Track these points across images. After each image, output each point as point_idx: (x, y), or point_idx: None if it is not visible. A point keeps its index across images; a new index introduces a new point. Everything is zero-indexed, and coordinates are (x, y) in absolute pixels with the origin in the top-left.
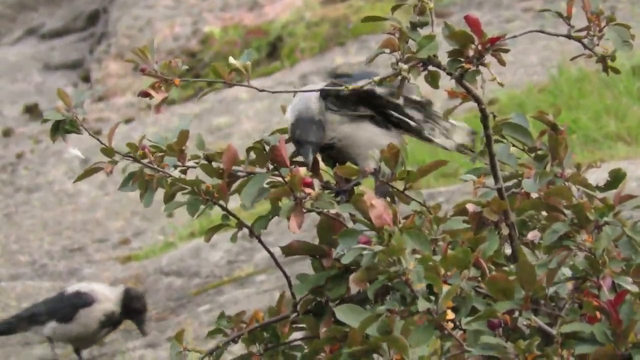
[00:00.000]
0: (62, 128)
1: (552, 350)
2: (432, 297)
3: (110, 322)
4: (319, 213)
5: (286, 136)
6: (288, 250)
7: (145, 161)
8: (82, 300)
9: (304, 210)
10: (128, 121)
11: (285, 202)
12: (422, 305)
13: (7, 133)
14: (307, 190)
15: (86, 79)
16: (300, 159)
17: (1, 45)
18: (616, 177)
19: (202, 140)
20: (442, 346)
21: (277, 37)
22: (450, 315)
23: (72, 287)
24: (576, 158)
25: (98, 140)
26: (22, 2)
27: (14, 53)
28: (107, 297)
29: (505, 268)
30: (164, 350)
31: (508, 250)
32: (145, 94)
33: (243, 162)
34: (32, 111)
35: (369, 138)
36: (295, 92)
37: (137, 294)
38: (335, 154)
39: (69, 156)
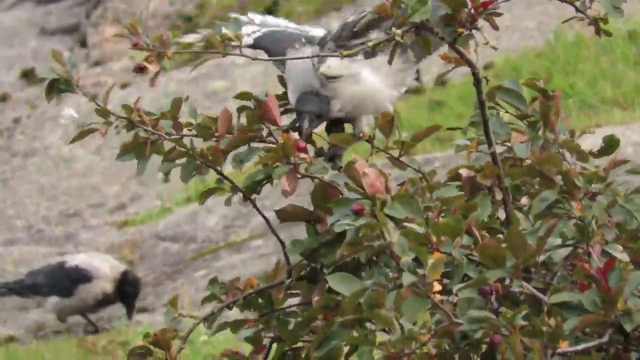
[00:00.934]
0: (57, 87)
1: (540, 319)
2: (420, 270)
3: (106, 301)
4: (312, 179)
5: (273, 94)
6: (283, 215)
7: (139, 122)
8: (81, 276)
9: (298, 176)
10: (124, 86)
11: (279, 167)
12: (406, 278)
13: (4, 98)
14: (302, 155)
15: (83, 43)
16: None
17: None
18: (610, 143)
19: (194, 108)
20: (432, 317)
21: (273, 1)
22: (437, 287)
23: (72, 259)
24: (572, 123)
25: (93, 100)
26: None
27: (10, 18)
28: (106, 274)
29: (500, 235)
30: (160, 315)
31: (502, 215)
32: (140, 69)
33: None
34: (28, 76)
35: (375, 105)
36: (286, 59)
37: (134, 280)
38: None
39: (64, 118)
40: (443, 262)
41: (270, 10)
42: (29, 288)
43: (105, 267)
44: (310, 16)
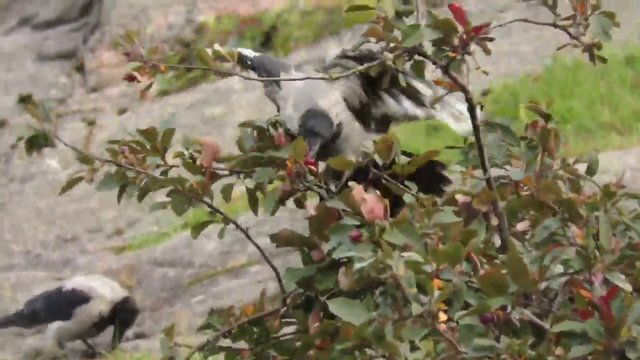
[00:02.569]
0: (36, 143)
1: (545, 349)
2: (424, 298)
3: (103, 323)
4: (320, 198)
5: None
6: (278, 240)
7: (126, 164)
8: (78, 297)
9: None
10: (122, 111)
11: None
12: (415, 309)
13: (1, 123)
14: (311, 168)
15: (80, 68)
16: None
17: None
18: (592, 163)
19: (187, 138)
20: (436, 347)
21: (271, 26)
22: (443, 317)
23: (69, 283)
24: (570, 148)
25: (75, 149)
26: None
27: (8, 43)
28: (103, 295)
29: (497, 261)
30: (157, 340)
31: (498, 241)
32: (131, 78)
33: (227, 158)
34: (26, 101)
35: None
36: (284, 80)
37: (132, 309)
38: (329, 149)
39: (49, 171)
40: (446, 294)
41: (268, 35)
42: (28, 318)
43: (103, 289)
44: (309, 41)
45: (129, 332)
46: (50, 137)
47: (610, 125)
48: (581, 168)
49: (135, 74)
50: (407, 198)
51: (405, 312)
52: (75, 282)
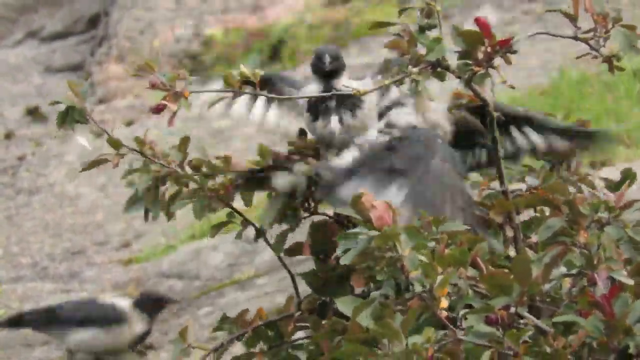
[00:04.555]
0: (71, 117)
1: (545, 340)
2: (427, 286)
3: (132, 346)
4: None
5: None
6: (291, 252)
7: (150, 155)
8: (116, 314)
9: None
10: (129, 123)
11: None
12: (417, 288)
13: (8, 135)
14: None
15: (87, 81)
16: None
17: (2, 48)
18: (626, 176)
19: (203, 147)
20: (436, 335)
21: (278, 40)
22: (444, 303)
23: (106, 299)
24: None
25: (104, 131)
26: (23, 4)
27: (15, 55)
28: (137, 318)
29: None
30: (165, 352)
31: (512, 252)
32: (158, 110)
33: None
34: (33, 113)
35: None
36: (303, 97)
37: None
38: None
39: (77, 144)
40: (448, 280)
41: (276, 49)
42: (48, 316)
43: (133, 311)
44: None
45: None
46: (85, 114)
47: (617, 138)
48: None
49: (165, 103)
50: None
51: (408, 296)
52: (112, 299)
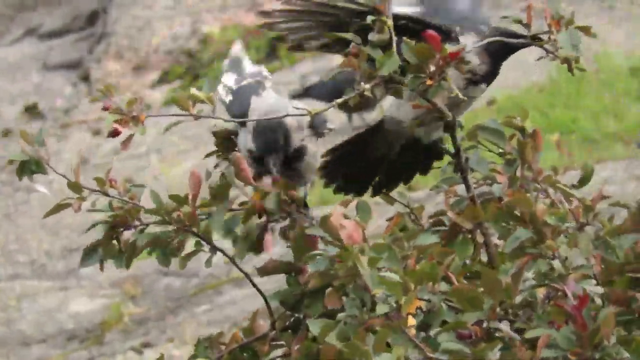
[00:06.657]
0: (27, 168)
1: (512, 355)
2: (394, 304)
3: None
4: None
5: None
6: (263, 271)
7: (113, 193)
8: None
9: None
10: None
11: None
12: (381, 309)
13: (7, 133)
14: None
15: (85, 78)
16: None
17: (0, 45)
18: (586, 173)
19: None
20: (407, 353)
21: (276, 37)
22: (412, 321)
23: None
24: (574, 159)
25: (64, 177)
26: (22, 2)
27: (13, 53)
28: None
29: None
30: (163, 349)
31: (485, 258)
32: (115, 134)
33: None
34: (31, 111)
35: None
36: (251, 120)
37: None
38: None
39: (39, 189)
40: (413, 298)
41: (273, 46)
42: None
43: None
44: (314, 50)
45: (135, 342)
46: (42, 164)
47: (615, 135)
48: (567, 179)
49: (118, 127)
50: (399, 207)
51: (374, 314)
52: None
